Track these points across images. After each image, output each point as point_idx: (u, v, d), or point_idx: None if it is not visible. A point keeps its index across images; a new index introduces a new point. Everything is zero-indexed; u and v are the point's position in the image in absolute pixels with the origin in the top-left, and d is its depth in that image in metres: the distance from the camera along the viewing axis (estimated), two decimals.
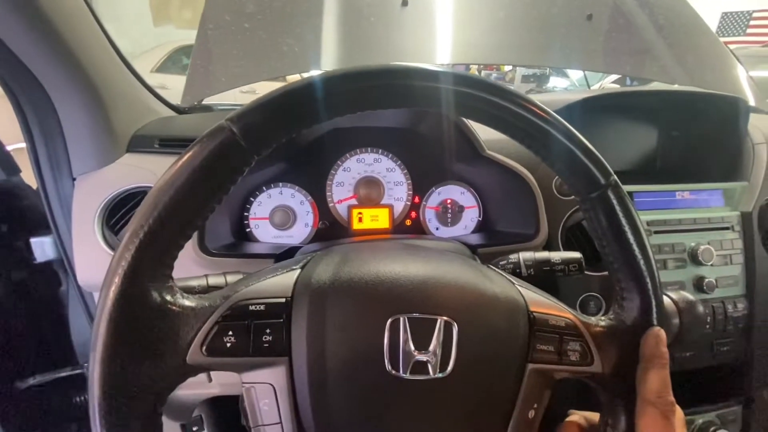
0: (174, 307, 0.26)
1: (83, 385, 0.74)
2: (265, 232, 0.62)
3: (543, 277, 0.46)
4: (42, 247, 0.62)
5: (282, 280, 0.31)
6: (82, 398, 0.72)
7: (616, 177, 0.31)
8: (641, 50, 0.96)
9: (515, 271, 0.46)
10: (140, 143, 0.58)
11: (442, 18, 0.97)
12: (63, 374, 0.67)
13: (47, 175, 0.53)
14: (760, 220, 0.67)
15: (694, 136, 0.77)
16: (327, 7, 0.85)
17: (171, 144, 0.58)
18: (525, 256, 0.47)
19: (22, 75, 0.48)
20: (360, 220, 0.64)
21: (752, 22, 6.02)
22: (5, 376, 0.65)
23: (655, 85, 1.02)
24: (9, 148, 0.64)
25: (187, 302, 0.27)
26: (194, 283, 0.38)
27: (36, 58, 0.47)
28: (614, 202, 0.31)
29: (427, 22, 0.95)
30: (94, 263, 0.53)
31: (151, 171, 0.55)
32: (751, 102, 0.80)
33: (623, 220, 0.31)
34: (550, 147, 0.31)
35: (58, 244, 0.57)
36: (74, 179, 0.54)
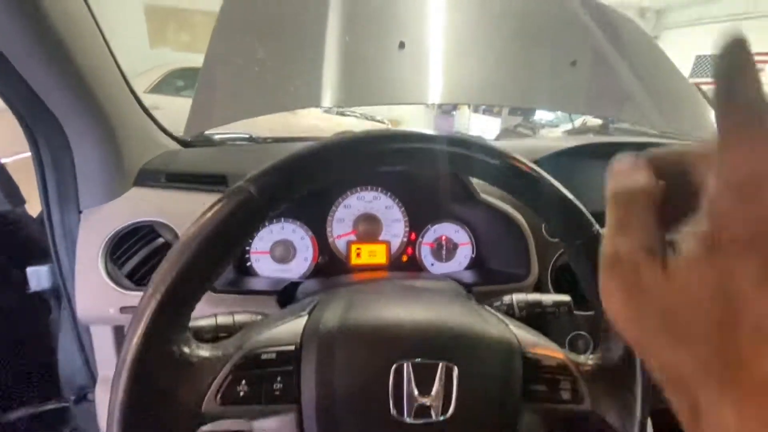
0: (191, 359, 0.28)
1: (69, 419, 0.72)
2: (265, 266, 0.64)
3: (535, 317, 0.49)
4: (38, 277, 0.62)
5: (291, 328, 0.33)
6: None
7: (598, 227, 0.34)
8: (622, 97, 1.03)
9: (509, 312, 0.49)
10: (147, 177, 0.59)
11: (436, 60, 1.03)
12: (49, 407, 0.66)
13: (54, 207, 0.54)
14: None
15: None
16: (330, 49, 0.90)
17: (177, 179, 0.60)
18: (518, 298, 0.49)
19: (39, 111, 0.49)
20: (358, 255, 0.66)
21: None
22: None
23: (634, 130, 1.09)
24: (7, 160, 0.64)
25: (203, 352, 0.29)
26: (204, 323, 0.39)
27: (54, 95, 0.49)
28: (598, 249, 0.34)
29: (422, 63, 1.00)
30: (95, 296, 0.53)
31: (157, 206, 0.57)
32: None
33: None
34: (538, 200, 0.34)
35: (58, 275, 0.57)
36: (80, 212, 0.55)
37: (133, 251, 0.54)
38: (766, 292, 0.15)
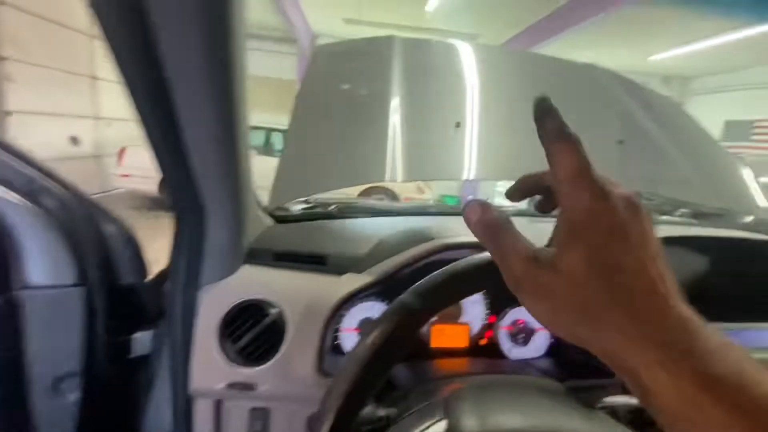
0: None
1: None
2: (351, 344, 0.66)
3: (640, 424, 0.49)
4: (141, 343, 0.66)
5: None
6: None
7: None
8: (673, 175, 1.06)
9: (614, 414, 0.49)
10: (256, 256, 0.65)
11: (489, 140, 1.10)
12: None
13: (179, 283, 0.59)
14: None
15: (745, 272, 0.81)
16: (394, 130, 0.98)
17: (283, 258, 0.65)
18: (620, 401, 0.50)
19: (189, 195, 0.53)
20: (440, 337, 0.68)
21: (756, 130, 6.42)
22: None
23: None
24: None
25: None
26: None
27: (211, 191, 0.53)
28: None
29: (477, 143, 1.08)
30: (207, 369, 0.57)
31: (264, 284, 0.61)
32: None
33: None
34: None
35: (169, 345, 0.61)
36: (199, 289, 0.60)
37: (244, 328, 0.58)
38: (622, 241, 0.20)
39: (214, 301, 0.59)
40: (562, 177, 0.22)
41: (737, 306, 0.81)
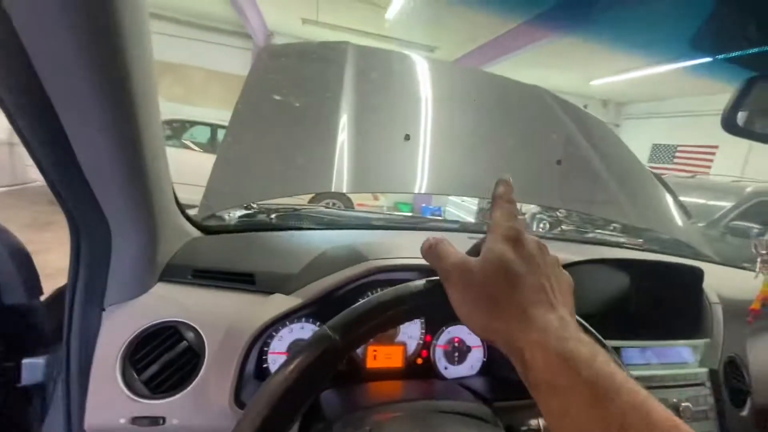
0: None
1: None
2: None
3: None
4: (32, 370, 0.58)
5: None
6: None
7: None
8: (604, 196, 1.12)
9: None
10: (173, 273, 0.58)
11: (437, 154, 1.11)
12: None
13: (78, 303, 0.52)
14: (726, 378, 0.75)
15: (661, 293, 0.87)
16: (340, 139, 0.96)
17: (204, 275, 0.59)
18: (544, 423, 0.50)
19: (89, 204, 0.46)
20: (375, 358, 0.66)
21: (678, 154, 7.14)
22: None
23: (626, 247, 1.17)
24: None
25: None
26: None
27: (111, 199, 0.46)
28: None
29: (425, 156, 1.08)
30: (107, 402, 0.50)
31: (182, 304, 0.56)
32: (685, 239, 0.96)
33: None
34: None
35: (64, 375, 0.54)
36: (103, 309, 0.53)
37: (154, 356, 0.52)
38: (527, 262, 0.29)
39: (120, 324, 0.52)
40: (497, 218, 0.31)
41: (653, 324, 0.86)
